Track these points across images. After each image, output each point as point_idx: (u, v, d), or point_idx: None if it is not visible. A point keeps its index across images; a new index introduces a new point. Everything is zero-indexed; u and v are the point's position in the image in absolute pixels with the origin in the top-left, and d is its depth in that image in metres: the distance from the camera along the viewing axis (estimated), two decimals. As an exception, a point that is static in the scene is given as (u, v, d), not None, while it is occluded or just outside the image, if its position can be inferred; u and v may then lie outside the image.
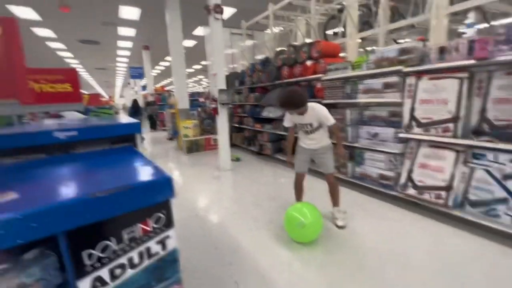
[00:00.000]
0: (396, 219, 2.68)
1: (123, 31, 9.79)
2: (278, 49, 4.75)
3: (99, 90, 35.11)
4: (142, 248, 0.69)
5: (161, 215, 0.74)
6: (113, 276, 0.65)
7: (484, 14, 4.02)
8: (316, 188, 3.37)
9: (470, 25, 4.25)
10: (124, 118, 2.08)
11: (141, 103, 12.12)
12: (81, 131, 1.29)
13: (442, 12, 3.18)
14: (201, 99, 11.66)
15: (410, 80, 2.74)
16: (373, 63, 3.07)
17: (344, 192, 3.42)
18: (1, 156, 1.15)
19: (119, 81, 27.37)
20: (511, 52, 2.03)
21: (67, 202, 0.61)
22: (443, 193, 2.57)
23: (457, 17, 4.78)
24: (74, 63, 15.18)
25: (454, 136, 2.47)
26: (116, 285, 0.65)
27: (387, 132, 3.06)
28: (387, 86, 2.95)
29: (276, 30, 6.31)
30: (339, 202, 2.62)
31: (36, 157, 1.17)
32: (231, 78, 6.58)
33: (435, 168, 2.65)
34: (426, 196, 2.70)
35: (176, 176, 4.67)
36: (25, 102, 1.53)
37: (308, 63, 4.03)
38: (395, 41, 4.58)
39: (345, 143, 3.57)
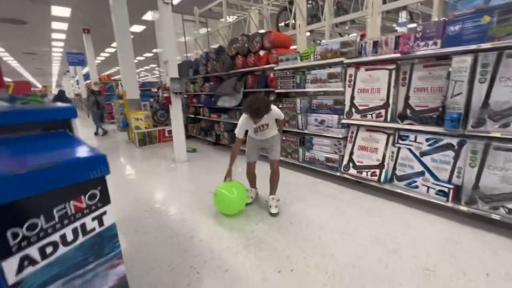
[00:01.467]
0: (339, 196, 2.98)
1: (56, 10, 8.63)
2: (232, 38, 4.73)
3: (31, 79, 30.56)
4: (76, 224, 0.68)
5: (96, 192, 0.73)
6: (44, 255, 0.63)
7: (410, 14, 4.58)
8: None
9: (402, 24, 4.82)
10: (58, 104, 1.89)
11: (87, 94, 10.92)
12: (3, 116, 1.16)
13: (376, 9, 3.53)
14: (154, 89, 11.02)
15: (350, 71, 3.02)
16: (319, 54, 3.29)
17: (296, 176, 3.66)
18: None
19: (56, 68, 24.18)
20: (425, 48, 2.39)
21: (-17, 180, 0.56)
22: (377, 171, 2.94)
23: (392, 16, 5.35)
24: (-6, 45, 12.94)
25: (385, 121, 2.82)
26: (50, 262, 0.64)
27: (332, 118, 3.33)
28: (331, 76, 3.21)
29: (230, 19, 6.26)
30: (276, 190, 2.70)
31: None
32: (184, 66, 6.36)
33: (371, 149, 3.00)
34: (364, 174, 3.05)
35: (129, 170, 4.41)
36: None
37: (261, 53, 4.12)
38: (340, 35, 4.94)
39: (296, 130, 3.80)
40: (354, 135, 3.18)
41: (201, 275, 1.78)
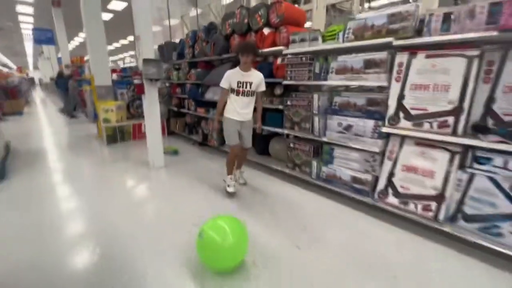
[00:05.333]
0: (371, 232, 2.08)
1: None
2: (227, 12, 3.66)
3: (4, 59, 28.03)
4: None
5: None
6: None
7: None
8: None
9: None
10: None
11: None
12: None
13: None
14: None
15: (401, 58, 2.08)
16: (353, 33, 2.33)
17: (306, 197, 2.75)
18: None
19: (29, 48, 22.06)
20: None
21: None
22: (433, 204, 2.05)
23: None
24: None
25: (454, 133, 1.91)
26: None
27: (365, 124, 2.40)
28: (370, 64, 2.25)
29: (225, -7, 5.17)
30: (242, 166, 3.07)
31: None
32: (167, 49, 5.23)
33: (424, 172, 2.10)
34: (411, 207, 2.15)
35: (78, 182, 3.33)
36: None
37: (266, 31, 3.10)
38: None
39: (309, 135, 2.85)
40: (396, 149, 2.26)
41: None
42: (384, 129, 2.22)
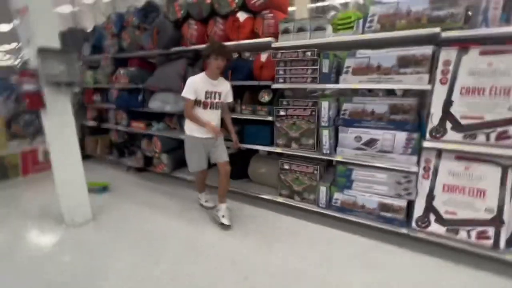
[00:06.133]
0: (415, 272, 1.61)
1: None
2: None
3: None
4: None
5: None
6: None
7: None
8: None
9: None
10: None
11: None
12: None
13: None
14: (16, 80, 6.97)
15: (448, 54, 1.65)
16: (379, 21, 1.79)
17: (317, 230, 2.11)
18: None
19: None
20: None
21: None
22: (489, 230, 1.71)
23: None
24: None
25: (516, 146, 1.60)
26: None
27: (394, 138, 1.92)
28: (406, 62, 1.76)
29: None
30: (225, 198, 2.27)
31: None
32: (72, 38, 3.64)
33: (472, 191, 1.75)
34: (463, 235, 1.77)
35: None
36: None
37: (241, 16, 2.27)
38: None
39: (313, 154, 2.21)
40: (432, 165, 1.86)
41: None
42: (427, 144, 1.77)
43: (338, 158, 2.10)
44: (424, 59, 1.69)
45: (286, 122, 2.28)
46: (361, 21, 1.83)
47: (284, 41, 2.15)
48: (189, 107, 2.08)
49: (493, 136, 1.63)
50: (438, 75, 1.69)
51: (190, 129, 2.18)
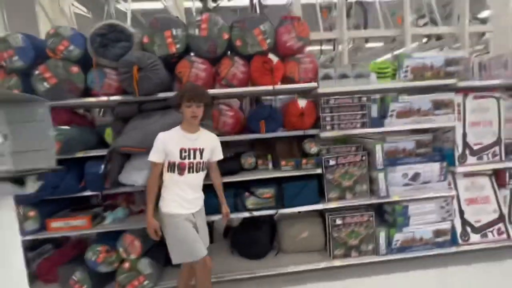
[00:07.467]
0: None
1: None
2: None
3: None
4: None
5: None
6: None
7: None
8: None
9: None
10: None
11: None
12: None
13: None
14: None
15: (458, 98, 2.14)
16: (411, 71, 2.06)
17: (382, 284, 1.99)
18: None
19: None
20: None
21: None
22: (501, 226, 2.25)
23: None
24: None
25: (501, 159, 2.25)
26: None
27: (431, 169, 2.18)
28: (439, 105, 2.10)
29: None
30: None
31: None
32: None
33: (481, 199, 2.28)
34: (490, 237, 2.22)
35: None
36: None
37: (274, 58, 1.91)
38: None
39: (367, 200, 2.11)
40: (452, 186, 2.27)
41: None
42: (459, 169, 2.14)
43: (395, 198, 2.10)
44: (450, 102, 2.11)
45: (337, 172, 2.04)
46: (398, 70, 2.05)
47: (327, 87, 2.00)
48: (154, 174, 1.58)
49: (489, 155, 2.23)
50: (455, 114, 2.15)
51: (166, 204, 1.59)
